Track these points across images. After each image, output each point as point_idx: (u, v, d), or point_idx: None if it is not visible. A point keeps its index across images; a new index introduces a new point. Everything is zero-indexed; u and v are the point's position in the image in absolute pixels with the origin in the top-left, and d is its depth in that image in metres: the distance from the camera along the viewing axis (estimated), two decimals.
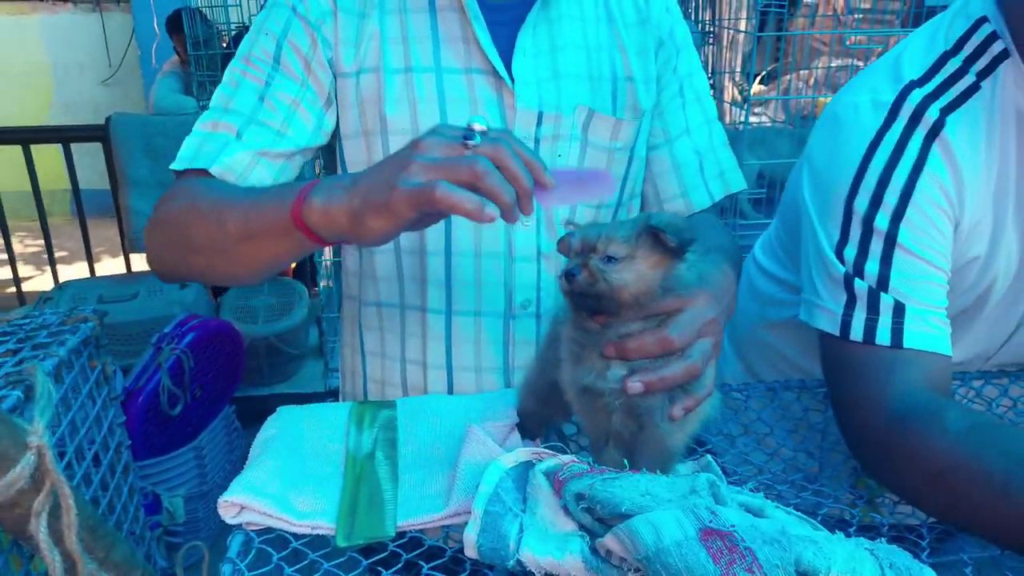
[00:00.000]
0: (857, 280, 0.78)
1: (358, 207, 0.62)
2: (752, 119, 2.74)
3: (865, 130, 0.79)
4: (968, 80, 0.78)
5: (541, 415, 0.75)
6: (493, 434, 0.72)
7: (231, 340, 2.03)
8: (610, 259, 0.60)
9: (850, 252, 0.78)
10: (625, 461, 0.63)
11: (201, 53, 2.46)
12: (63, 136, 3.05)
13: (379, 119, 0.88)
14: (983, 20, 0.78)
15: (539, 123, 0.89)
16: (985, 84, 0.78)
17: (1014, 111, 0.77)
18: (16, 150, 2.93)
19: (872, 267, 0.77)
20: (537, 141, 0.90)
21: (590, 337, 0.63)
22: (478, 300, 0.92)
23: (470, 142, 0.60)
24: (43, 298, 2.63)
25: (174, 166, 0.86)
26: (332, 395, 2.24)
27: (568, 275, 0.61)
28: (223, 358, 2.02)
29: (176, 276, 0.87)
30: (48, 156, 3.12)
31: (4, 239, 3.02)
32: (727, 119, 3.28)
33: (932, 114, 0.77)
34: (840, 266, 0.79)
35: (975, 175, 0.77)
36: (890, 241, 0.76)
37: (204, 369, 1.95)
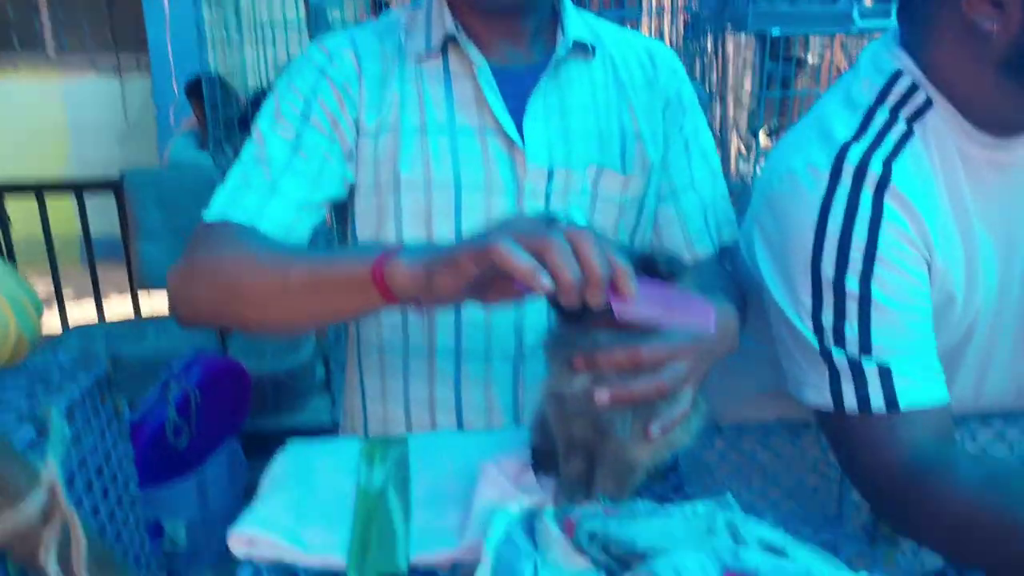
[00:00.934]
0: (835, 351, 0.77)
1: (430, 264, 0.63)
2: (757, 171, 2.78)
3: (811, 197, 0.78)
4: (900, 127, 0.78)
5: (552, 451, 0.74)
6: (507, 471, 0.71)
7: (238, 378, 2.04)
8: None
9: (827, 317, 0.77)
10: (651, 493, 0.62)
11: (219, 114, 2.56)
12: (77, 186, 3.12)
13: (392, 175, 0.91)
14: (899, 74, 0.80)
15: (549, 180, 0.92)
16: (917, 128, 0.79)
17: (955, 152, 0.78)
18: (31, 203, 2.99)
19: (851, 330, 0.76)
20: (548, 196, 0.92)
21: (560, 343, 0.65)
22: (487, 342, 0.92)
23: (557, 220, 0.60)
24: (54, 343, 2.64)
25: (208, 216, 0.85)
26: (337, 430, 2.24)
27: None
28: (230, 395, 2.02)
29: (208, 323, 0.87)
30: (61, 207, 3.18)
31: None
32: (733, 172, 3.32)
33: (875, 168, 0.76)
34: (815, 340, 0.78)
35: (934, 216, 0.77)
36: (864, 301, 0.75)
37: (211, 405, 1.94)
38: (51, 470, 0.57)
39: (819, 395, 0.78)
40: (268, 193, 0.86)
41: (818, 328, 0.78)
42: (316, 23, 2.55)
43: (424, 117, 0.91)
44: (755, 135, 2.95)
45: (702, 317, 0.57)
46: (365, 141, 0.92)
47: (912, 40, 0.80)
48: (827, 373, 0.77)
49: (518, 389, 0.93)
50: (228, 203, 0.85)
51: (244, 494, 2.24)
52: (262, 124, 0.91)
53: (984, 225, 0.80)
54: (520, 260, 0.55)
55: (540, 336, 0.90)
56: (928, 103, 0.78)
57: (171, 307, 0.84)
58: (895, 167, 0.77)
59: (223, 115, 2.58)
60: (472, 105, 0.92)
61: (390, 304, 0.69)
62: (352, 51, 0.93)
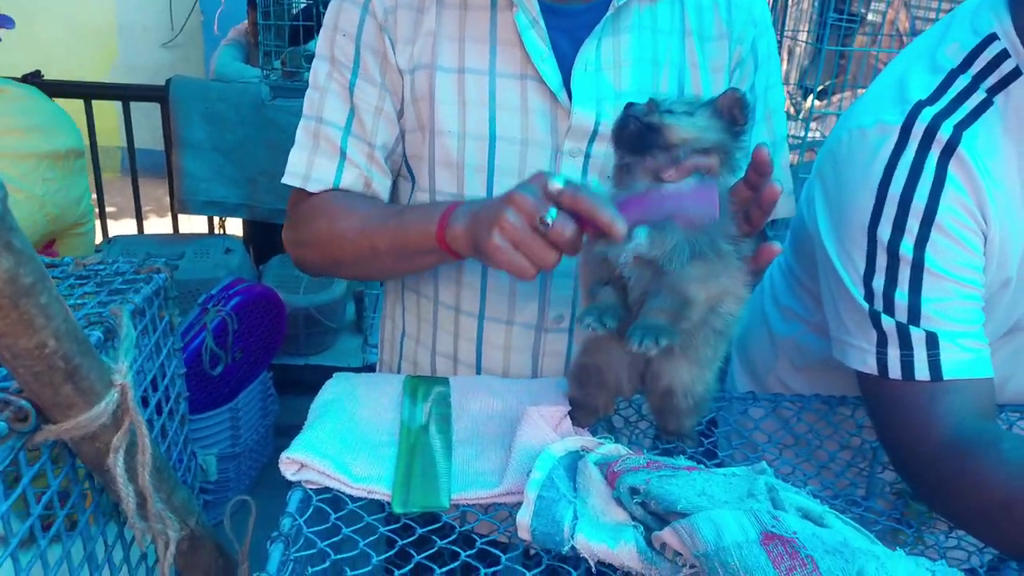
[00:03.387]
0: (884, 316, 0.76)
1: (474, 240, 0.71)
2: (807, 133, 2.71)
3: (877, 155, 0.77)
4: (979, 96, 0.76)
5: (586, 404, 0.76)
6: (547, 418, 0.73)
7: (275, 307, 2.07)
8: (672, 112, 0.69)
9: (878, 281, 0.77)
10: (685, 455, 0.63)
11: (271, 23, 2.53)
12: (124, 94, 3.12)
13: (429, 116, 0.87)
14: (993, 37, 0.76)
15: (591, 140, 0.86)
16: (998, 100, 0.76)
17: None
18: (77, 104, 2.99)
19: (901, 295, 0.76)
20: (587, 156, 0.86)
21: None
22: (511, 310, 0.91)
23: (545, 221, 0.65)
24: (96, 251, 2.69)
25: (288, 181, 0.91)
26: (368, 370, 2.26)
27: (628, 104, 0.70)
28: (266, 324, 2.05)
29: (325, 275, 1.12)
30: (106, 113, 3.17)
31: None
32: None
33: (946, 131, 0.75)
34: (864, 303, 0.78)
35: (998, 190, 0.75)
36: (917, 267, 0.75)
37: (247, 333, 1.98)
38: (123, 372, 0.58)
39: (864, 359, 0.78)
40: (337, 158, 0.90)
41: (869, 292, 0.78)
42: None
43: (462, 57, 0.85)
44: (809, 93, 2.84)
45: (705, 201, 0.63)
46: (405, 78, 0.88)
47: (1018, 1, 0.76)
48: (874, 337, 0.77)
49: (538, 357, 0.93)
50: (305, 168, 0.91)
51: (275, 429, 2.29)
52: (319, 71, 0.90)
53: None
54: (507, 258, 0.66)
55: (560, 313, 0.91)
56: (1016, 73, 0.75)
57: (295, 263, 0.97)
58: (966, 134, 0.75)
59: (274, 24, 2.56)
60: (516, 47, 0.84)
61: (463, 259, 0.77)
62: None
